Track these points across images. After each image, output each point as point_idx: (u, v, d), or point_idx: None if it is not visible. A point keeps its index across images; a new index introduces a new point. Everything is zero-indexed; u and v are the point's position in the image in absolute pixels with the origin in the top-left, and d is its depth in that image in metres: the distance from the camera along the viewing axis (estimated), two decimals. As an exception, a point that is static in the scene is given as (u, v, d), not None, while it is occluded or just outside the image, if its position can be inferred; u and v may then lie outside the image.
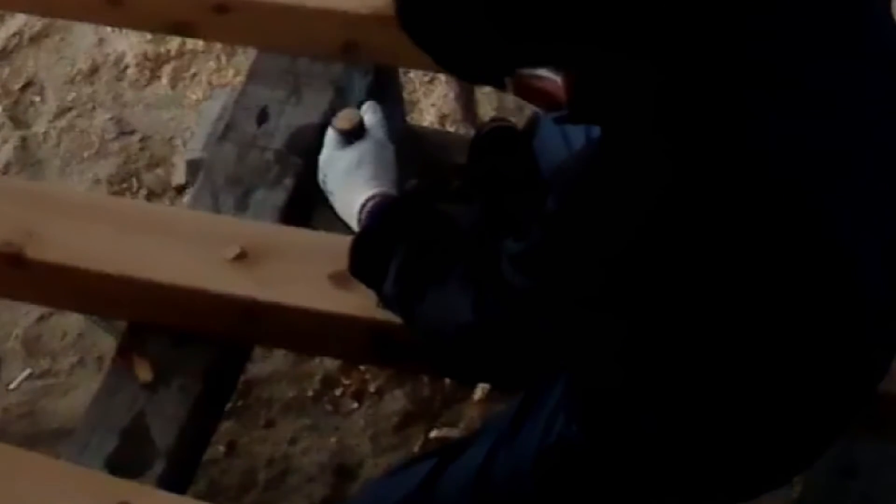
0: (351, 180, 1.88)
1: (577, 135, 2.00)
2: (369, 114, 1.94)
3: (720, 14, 1.52)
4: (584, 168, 1.59)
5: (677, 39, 1.51)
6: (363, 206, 1.84)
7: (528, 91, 1.58)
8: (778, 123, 1.52)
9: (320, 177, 1.93)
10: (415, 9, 1.60)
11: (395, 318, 1.94)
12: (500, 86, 1.61)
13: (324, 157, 1.93)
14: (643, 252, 1.52)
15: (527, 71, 1.55)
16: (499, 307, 1.64)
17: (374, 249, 1.80)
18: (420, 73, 3.12)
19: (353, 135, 1.91)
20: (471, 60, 1.59)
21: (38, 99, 3.25)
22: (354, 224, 1.85)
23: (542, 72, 1.54)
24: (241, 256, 2.03)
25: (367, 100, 2.47)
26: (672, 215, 1.51)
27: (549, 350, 1.68)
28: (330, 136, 1.93)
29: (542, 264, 1.60)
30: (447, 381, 2.62)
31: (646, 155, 1.52)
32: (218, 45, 3.23)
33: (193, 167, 2.70)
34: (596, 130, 2.03)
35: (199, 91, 3.22)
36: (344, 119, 1.93)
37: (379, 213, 1.82)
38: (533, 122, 2.20)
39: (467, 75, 1.68)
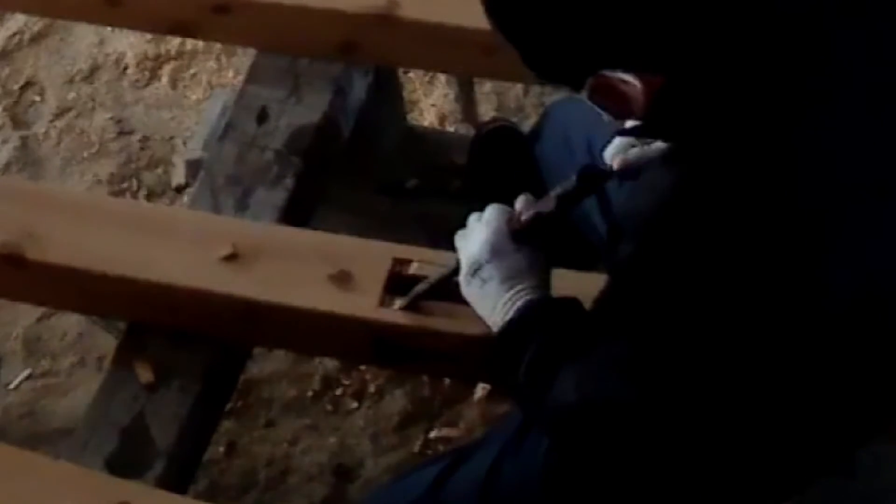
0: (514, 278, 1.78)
1: (580, 145, 1.99)
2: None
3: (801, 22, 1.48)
4: (661, 201, 1.54)
5: (765, 46, 1.47)
6: (511, 299, 1.76)
7: (606, 93, 1.53)
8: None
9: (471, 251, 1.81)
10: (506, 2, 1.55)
11: (394, 319, 1.95)
12: (578, 86, 1.56)
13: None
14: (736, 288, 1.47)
15: (611, 72, 1.51)
16: (593, 379, 1.59)
17: (517, 339, 1.73)
18: (420, 73, 3.12)
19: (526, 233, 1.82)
20: (558, 54, 1.54)
21: (38, 99, 3.25)
22: (490, 310, 1.78)
23: (626, 76, 1.51)
24: (232, 257, 2.03)
25: (367, 101, 2.48)
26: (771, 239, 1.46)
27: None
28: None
29: (627, 317, 1.55)
30: (447, 381, 2.62)
31: (732, 174, 1.48)
32: (218, 45, 3.22)
33: (193, 167, 2.70)
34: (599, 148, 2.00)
35: (199, 91, 3.22)
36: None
37: (528, 308, 1.74)
38: (536, 129, 2.19)
39: (549, 71, 1.59)
